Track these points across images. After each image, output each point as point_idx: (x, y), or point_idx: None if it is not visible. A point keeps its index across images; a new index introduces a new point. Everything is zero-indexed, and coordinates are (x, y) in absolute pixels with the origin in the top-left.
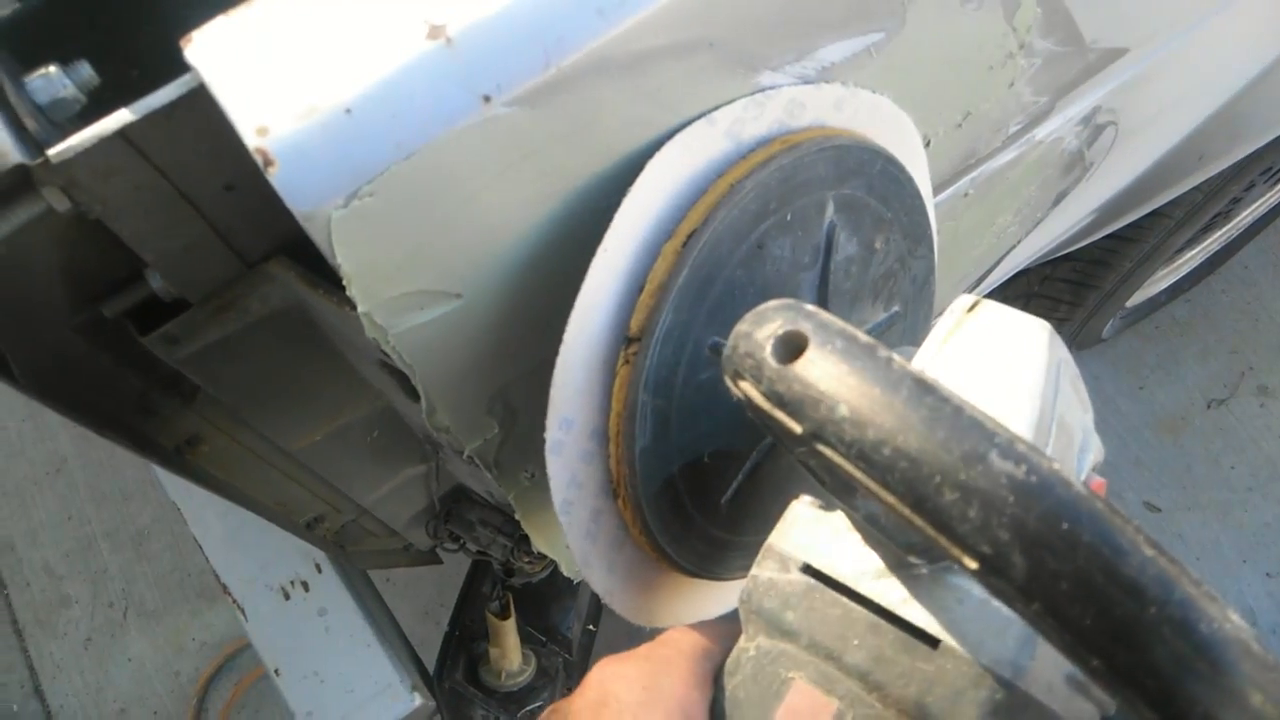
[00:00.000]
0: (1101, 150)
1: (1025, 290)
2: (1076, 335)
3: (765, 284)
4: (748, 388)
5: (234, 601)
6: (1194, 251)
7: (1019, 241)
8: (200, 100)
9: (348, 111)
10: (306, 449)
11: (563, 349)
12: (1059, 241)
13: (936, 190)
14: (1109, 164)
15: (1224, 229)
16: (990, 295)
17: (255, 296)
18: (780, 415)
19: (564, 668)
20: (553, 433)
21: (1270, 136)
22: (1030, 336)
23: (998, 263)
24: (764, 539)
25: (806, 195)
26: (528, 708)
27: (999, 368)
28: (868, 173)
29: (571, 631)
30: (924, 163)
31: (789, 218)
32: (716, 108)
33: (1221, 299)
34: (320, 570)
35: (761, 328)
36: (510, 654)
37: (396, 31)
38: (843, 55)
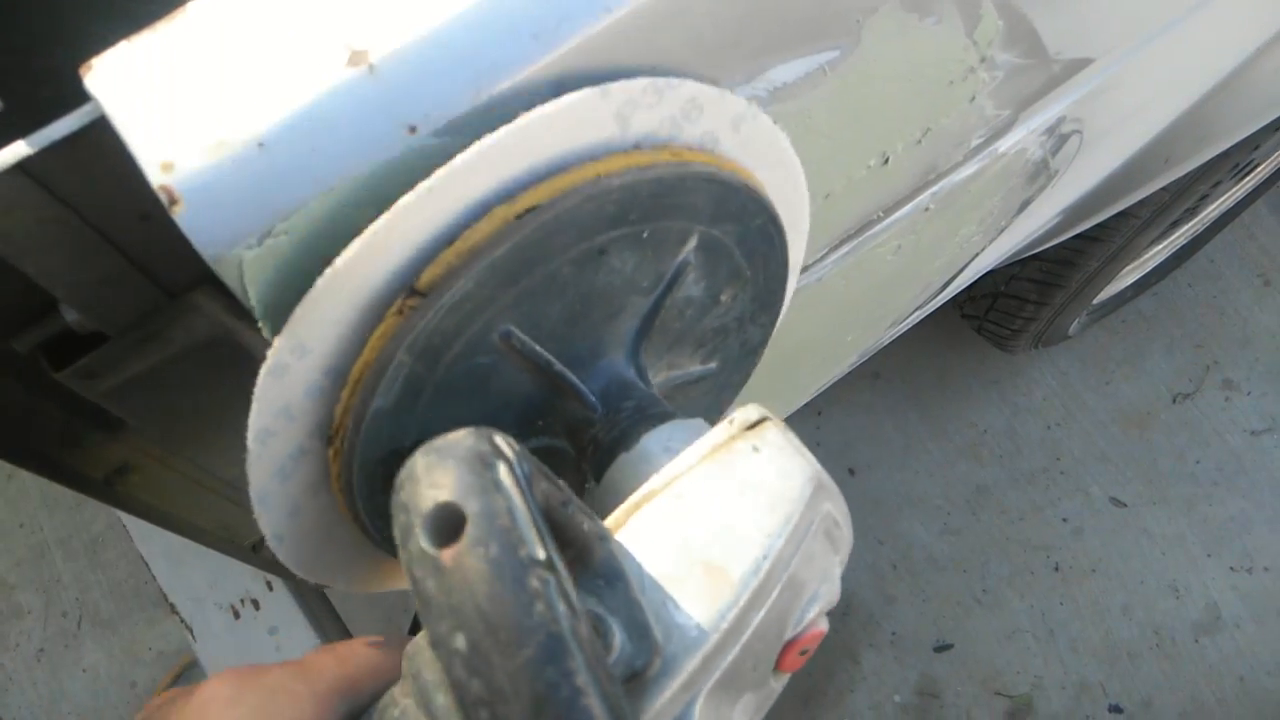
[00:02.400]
0: (1066, 158)
1: (991, 290)
2: (1043, 334)
3: (589, 291)
4: (398, 538)
5: (182, 621)
6: (1160, 247)
7: (983, 249)
8: (104, 131)
9: (260, 145)
10: (243, 476)
11: (330, 270)
12: (1025, 244)
13: (896, 206)
14: (1074, 170)
15: (1190, 224)
16: (958, 296)
17: (179, 327)
18: (413, 592)
19: None
20: (281, 355)
21: (1238, 138)
22: (794, 487)
23: (962, 269)
24: None
25: (673, 220)
26: None
27: (747, 506)
28: (745, 223)
29: None
30: (804, 224)
31: (645, 235)
32: (614, 79)
33: (1187, 293)
34: (271, 588)
35: (433, 479)
36: None
37: (315, 59)
38: (795, 75)
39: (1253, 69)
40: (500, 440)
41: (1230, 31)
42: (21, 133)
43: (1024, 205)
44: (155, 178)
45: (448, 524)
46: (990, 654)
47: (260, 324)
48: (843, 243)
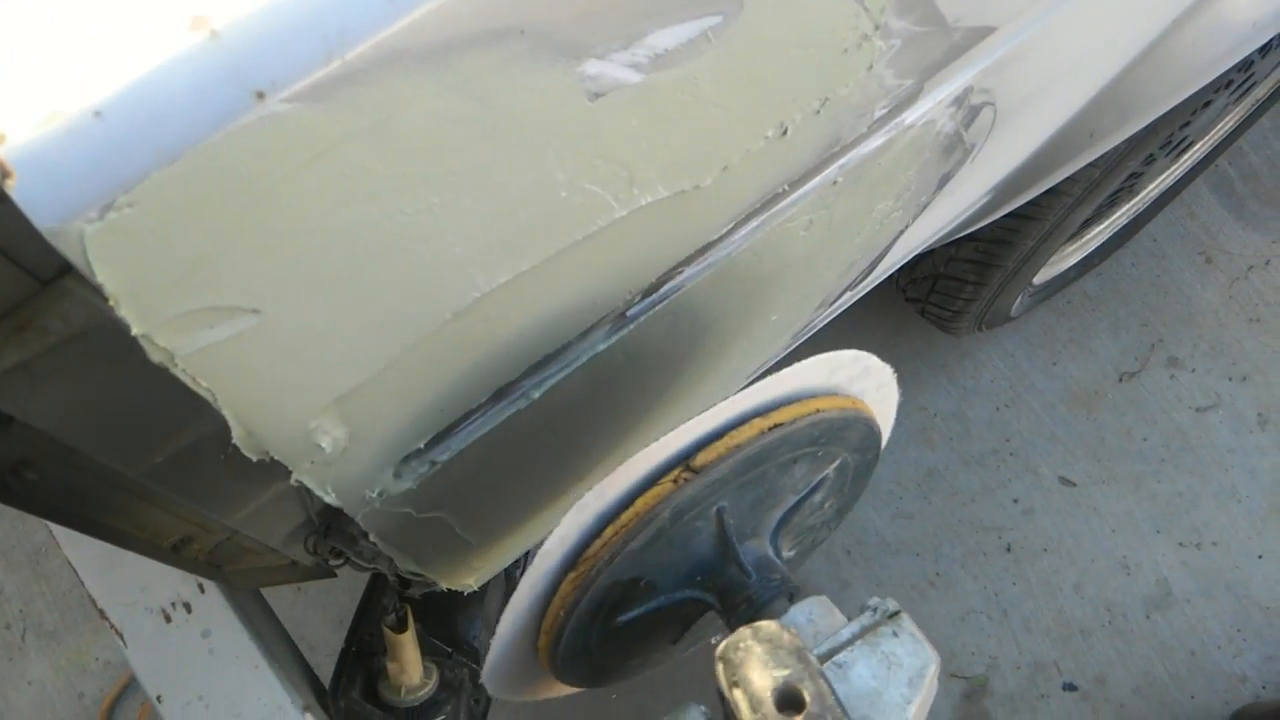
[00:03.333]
0: (981, 131)
1: (931, 272)
2: (984, 314)
3: (773, 487)
4: (739, 698)
5: (112, 627)
6: (1101, 227)
7: (906, 226)
8: None
9: (97, 114)
10: (150, 472)
11: (640, 454)
12: (956, 223)
13: (801, 181)
14: (993, 145)
15: (1130, 204)
16: (899, 279)
17: (54, 315)
18: None
19: (470, 678)
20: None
21: (1160, 111)
22: (923, 666)
23: (888, 248)
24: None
25: (837, 446)
26: None
27: (892, 678)
28: (865, 454)
29: (479, 640)
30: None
31: (819, 454)
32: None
33: (1131, 272)
34: (204, 590)
35: (776, 660)
36: (410, 668)
37: (154, 25)
38: (676, 41)
39: (1171, 41)
40: (796, 633)
41: (1143, 3)
42: None
43: (943, 181)
44: None
45: (791, 699)
46: (945, 636)
47: (111, 302)
48: (749, 217)
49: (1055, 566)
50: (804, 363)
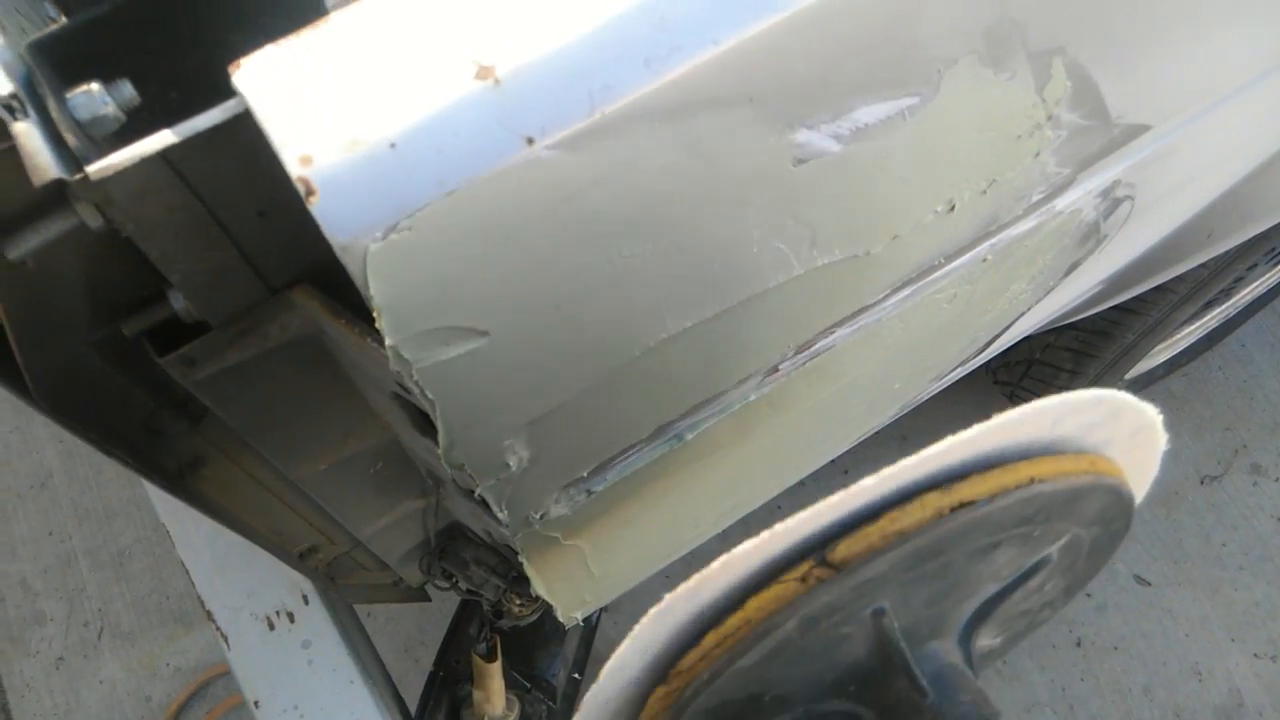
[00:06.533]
0: (1117, 223)
1: (1027, 356)
2: None
3: (962, 579)
4: None
5: (218, 629)
6: (1193, 327)
7: (1029, 308)
8: (244, 126)
9: (392, 146)
10: (309, 478)
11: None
12: (1065, 310)
13: (957, 254)
14: (1122, 236)
15: (1223, 306)
16: (992, 362)
17: (276, 323)
18: None
19: (548, 715)
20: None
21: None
22: None
23: (1007, 328)
24: None
25: (1063, 522)
26: None
27: None
28: (1107, 526)
29: (557, 679)
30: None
31: (1034, 534)
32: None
33: (1218, 375)
34: (307, 602)
35: None
36: (494, 698)
37: (445, 69)
38: (876, 117)
39: None
40: None
41: (1277, 112)
42: (154, 129)
43: (1072, 267)
44: (295, 169)
45: None
46: None
47: (375, 314)
48: (904, 285)
49: (1125, 666)
50: (1010, 413)
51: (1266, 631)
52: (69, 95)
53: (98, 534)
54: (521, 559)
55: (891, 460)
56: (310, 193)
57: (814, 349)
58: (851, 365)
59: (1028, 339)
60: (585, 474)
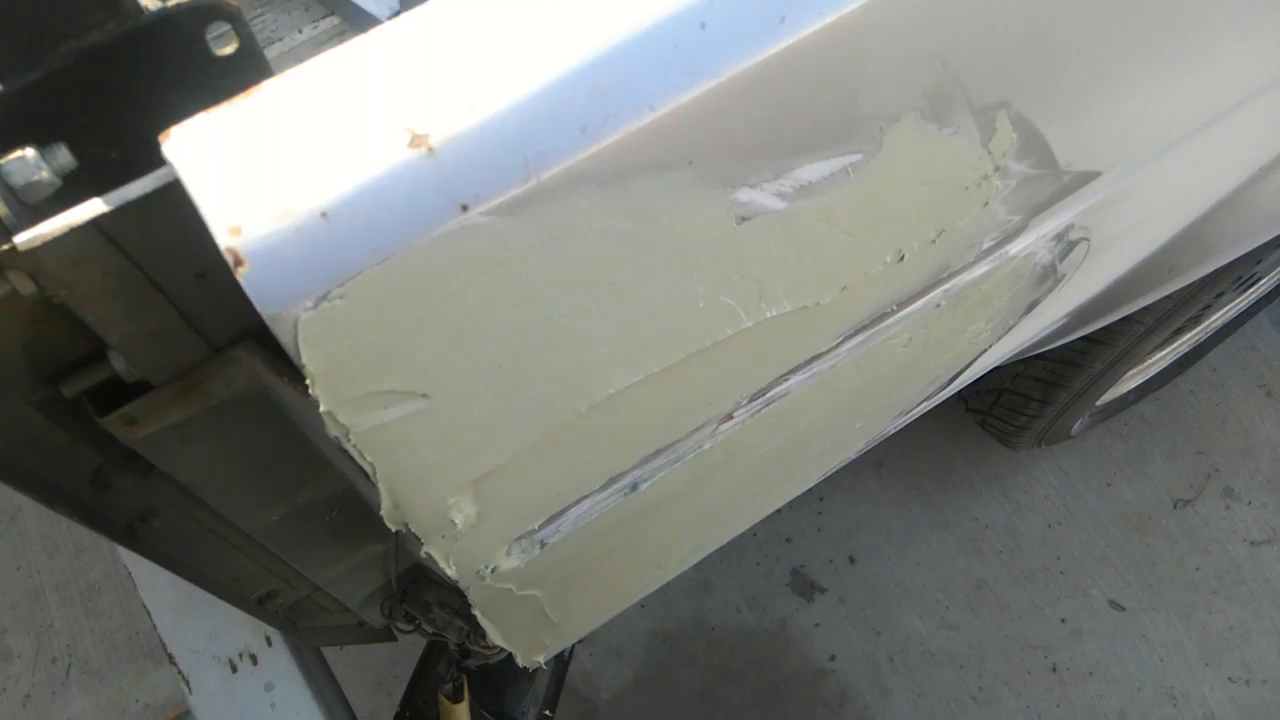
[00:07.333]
0: (1074, 263)
1: (997, 385)
2: (1047, 432)
3: None
4: None
5: (179, 672)
6: (1164, 353)
7: (991, 345)
8: (175, 194)
9: (324, 215)
10: (262, 528)
11: None
12: (1031, 343)
13: (909, 301)
14: (1081, 275)
15: (1193, 332)
16: (964, 391)
17: (219, 380)
18: None
19: None
20: None
21: (1239, 253)
22: None
23: (969, 365)
24: None
25: None
26: None
27: None
28: None
29: (526, 717)
30: None
31: None
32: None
33: (1190, 400)
34: (270, 644)
35: None
36: None
37: (378, 138)
38: (819, 174)
39: (1255, 188)
40: None
41: (1232, 152)
42: (92, 191)
43: (1031, 306)
44: (223, 240)
45: None
46: None
47: (308, 382)
48: (857, 332)
49: (1101, 691)
50: None
51: (1240, 655)
52: (2, 161)
53: (66, 568)
54: (475, 612)
55: (868, 485)
56: (239, 263)
57: (768, 396)
58: (808, 409)
59: (997, 369)
60: (536, 526)
